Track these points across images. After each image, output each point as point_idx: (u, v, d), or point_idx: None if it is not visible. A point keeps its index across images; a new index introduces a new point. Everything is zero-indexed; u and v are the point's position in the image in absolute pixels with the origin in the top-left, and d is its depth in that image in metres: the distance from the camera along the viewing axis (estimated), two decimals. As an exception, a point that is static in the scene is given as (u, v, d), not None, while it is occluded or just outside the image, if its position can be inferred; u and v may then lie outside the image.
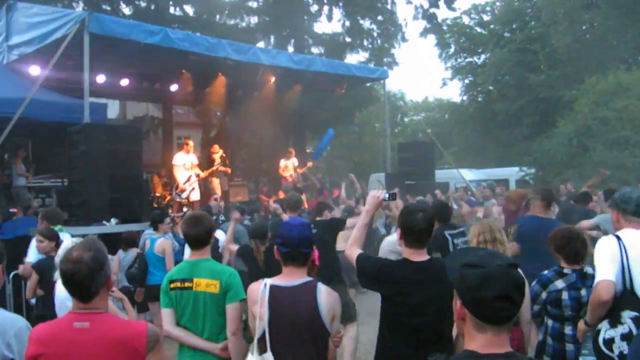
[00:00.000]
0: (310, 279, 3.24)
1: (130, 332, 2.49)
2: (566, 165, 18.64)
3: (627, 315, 3.44)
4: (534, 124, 25.93)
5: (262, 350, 3.08)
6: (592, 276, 4.12)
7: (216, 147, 15.55)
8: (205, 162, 15.46)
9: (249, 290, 3.30)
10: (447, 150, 23.55)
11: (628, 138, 17.52)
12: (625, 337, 3.40)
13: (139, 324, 2.60)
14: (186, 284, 3.82)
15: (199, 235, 3.91)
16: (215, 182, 15.10)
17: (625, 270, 3.51)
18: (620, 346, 3.39)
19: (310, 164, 18.13)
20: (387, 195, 3.87)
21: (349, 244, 3.76)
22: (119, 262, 8.06)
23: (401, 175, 16.94)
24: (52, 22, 10.54)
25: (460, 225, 6.47)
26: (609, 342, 3.47)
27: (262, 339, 3.08)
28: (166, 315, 3.88)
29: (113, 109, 24.51)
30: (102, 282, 2.50)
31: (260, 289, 3.16)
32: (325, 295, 3.15)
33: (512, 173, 22.12)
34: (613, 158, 17.06)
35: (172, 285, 3.87)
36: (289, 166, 16.31)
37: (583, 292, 4.08)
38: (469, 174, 21.33)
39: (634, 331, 3.37)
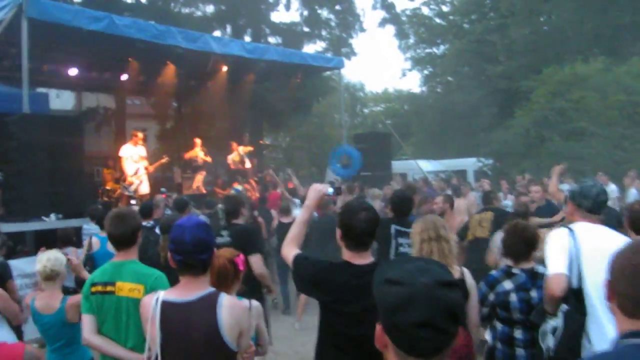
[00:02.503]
0: (210, 290, 2.80)
1: (4, 355, 2.17)
2: (523, 155, 18.64)
3: (562, 308, 3.32)
4: (493, 115, 25.97)
5: None
6: (544, 276, 3.91)
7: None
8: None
9: (140, 304, 2.88)
10: (406, 142, 23.50)
11: (584, 129, 17.58)
12: (554, 331, 3.32)
13: (15, 346, 2.30)
14: (108, 288, 3.52)
15: (123, 234, 3.62)
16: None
17: (573, 265, 3.35)
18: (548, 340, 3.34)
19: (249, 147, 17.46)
20: (330, 190, 3.59)
21: (285, 242, 3.41)
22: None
23: (357, 167, 16.71)
24: (-13, 7, 9.98)
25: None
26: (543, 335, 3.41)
27: None
28: (86, 323, 3.57)
29: (68, 100, 23.86)
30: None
31: (151, 305, 2.72)
32: (227, 310, 2.69)
33: (469, 164, 22.15)
34: (569, 149, 17.10)
35: (93, 290, 3.56)
36: (235, 159, 15.88)
37: (533, 293, 3.81)
38: (427, 165, 21.32)
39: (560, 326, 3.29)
